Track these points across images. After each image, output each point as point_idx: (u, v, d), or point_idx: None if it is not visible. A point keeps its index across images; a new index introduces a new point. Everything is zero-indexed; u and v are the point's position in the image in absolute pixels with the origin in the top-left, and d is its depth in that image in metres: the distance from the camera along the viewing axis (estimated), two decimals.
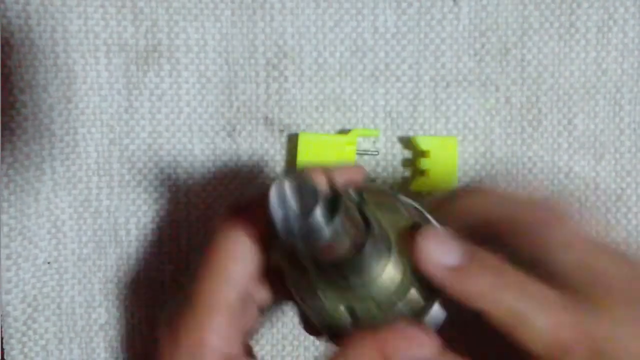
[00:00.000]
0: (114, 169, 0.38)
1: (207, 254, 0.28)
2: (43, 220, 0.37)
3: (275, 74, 0.38)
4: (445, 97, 0.38)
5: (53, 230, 0.37)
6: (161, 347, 0.29)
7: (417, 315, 0.26)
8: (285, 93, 0.38)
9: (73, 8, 0.37)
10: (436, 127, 0.38)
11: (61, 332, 0.38)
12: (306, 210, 0.20)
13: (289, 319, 0.39)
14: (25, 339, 0.38)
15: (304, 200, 0.21)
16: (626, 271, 0.25)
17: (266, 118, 0.38)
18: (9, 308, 0.37)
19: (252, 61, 0.38)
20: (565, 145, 0.39)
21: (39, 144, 0.37)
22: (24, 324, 0.37)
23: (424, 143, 0.37)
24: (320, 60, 0.38)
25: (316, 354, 0.39)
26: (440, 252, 0.25)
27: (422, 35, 0.38)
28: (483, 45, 0.38)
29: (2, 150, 0.36)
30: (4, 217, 0.36)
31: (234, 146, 0.38)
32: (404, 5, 0.38)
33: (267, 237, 0.28)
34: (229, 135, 0.38)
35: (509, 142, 0.39)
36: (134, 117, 0.38)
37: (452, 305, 0.25)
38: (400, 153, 0.39)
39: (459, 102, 0.38)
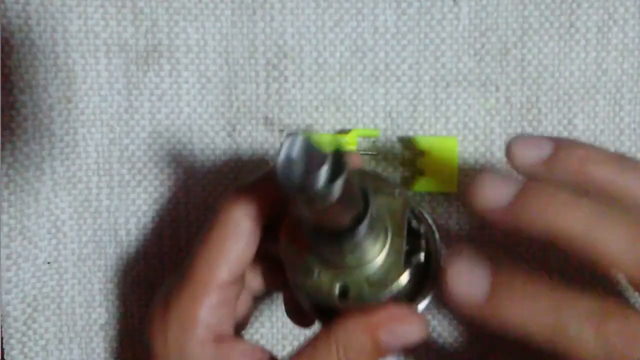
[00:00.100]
0: (114, 169, 0.38)
1: (207, 232, 0.29)
2: (43, 220, 0.37)
3: (275, 74, 0.38)
4: (445, 97, 0.38)
5: (53, 230, 0.37)
6: (153, 321, 0.29)
7: (409, 299, 0.27)
8: (285, 93, 0.38)
9: (73, 8, 0.37)
10: (436, 127, 0.38)
11: (61, 332, 0.38)
12: (312, 168, 0.20)
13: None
14: (25, 339, 0.38)
15: (312, 158, 0.21)
16: None
17: (266, 118, 0.38)
18: (9, 308, 0.37)
19: (252, 61, 0.38)
20: None
21: (39, 144, 0.37)
22: (24, 324, 0.37)
23: (423, 143, 0.37)
24: (320, 60, 0.38)
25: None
26: (467, 284, 0.24)
27: (422, 35, 0.38)
28: (483, 45, 0.38)
29: (2, 150, 0.36)
30: (4, 217, 0.36)
31: (234, 146, 0.38)
32: (404, 5, 0.38)
33: (267, 223, 0.29)
34: (229, 135, 0.38)
35: None
36: (134, 117, 0.38)
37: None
38: (400, 153, 0.39)
39: (459, 102, 0.38)
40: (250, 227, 0.28)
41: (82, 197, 0.38)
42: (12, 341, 0.37)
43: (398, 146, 0.39)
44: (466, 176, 0.38)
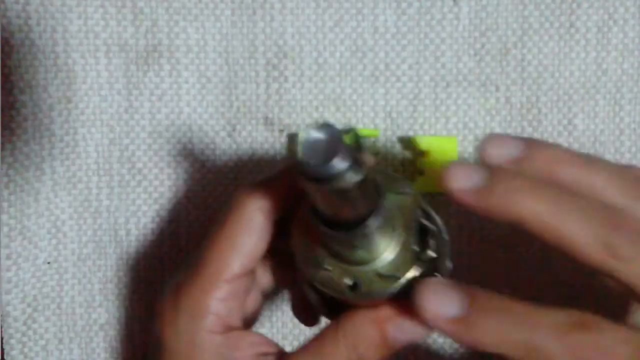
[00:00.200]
0: (114, 169, 0.38)
1: (220, 225, 0.29)
2: (43, 220, 0.37)
3: (275, 74, 0.38)
4: (445, 97, 0.38)
5: (53, 230, 0.37)
6: (163, 310, 0.29)
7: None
8: (285, 93, 0.38)
9: (73, 8, 0.37)
10: (436, 127, 0.38)
11: (61, 332, 0.38)
12: (335, 151, 0.21)
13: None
14: (25, 339, 0.38)
15: (335, 142, 0.21)
16: None
17: (266, 118, 0.38)
18: (9, 308, 0.37)
19: (252, 61, 0.38)
20: (565, 145, 0.39)
21: (39, 144, 0.37)
22: (24, 324, 0.37)
23: (423, 143, 0.37)
24: (320, 60, 0.38)
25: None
26: (440, 304, 0.24)
27: (422, 35, 0.38)
28: (483, 45, 0.38)
29: (2, 150, 0.36)
30: (4, 217, 0.36)
31: (234, 146, 0.38)
32: (404, 5, 0.38)
33: (280, 219, 0.29)
34: (229, 135, 0.38)
35: None
36: (134, 117, 0.38)
37: None
38: (400, 153, 0.39)
39: (459, 102, 0.38)
40: (263, 222, 0.28)
41: (82, 197, 0.38)
42: (12, 341, 0.37)
43: (398, 146, 0.39)
44: None
